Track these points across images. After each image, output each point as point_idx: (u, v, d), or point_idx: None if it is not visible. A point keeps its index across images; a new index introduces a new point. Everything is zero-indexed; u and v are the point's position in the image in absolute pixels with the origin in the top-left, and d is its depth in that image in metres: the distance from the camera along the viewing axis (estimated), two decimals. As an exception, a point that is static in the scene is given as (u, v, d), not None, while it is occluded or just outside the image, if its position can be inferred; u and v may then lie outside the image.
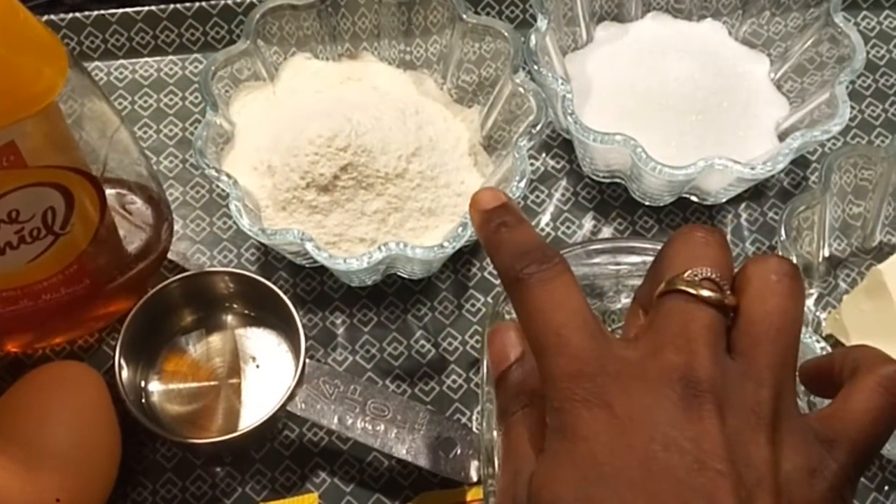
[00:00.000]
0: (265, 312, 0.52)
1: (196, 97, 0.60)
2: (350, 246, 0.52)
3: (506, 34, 0.54)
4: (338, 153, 0.51)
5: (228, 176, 0.50)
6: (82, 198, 0.44)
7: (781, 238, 0.50)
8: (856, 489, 0.30)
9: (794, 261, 0.50)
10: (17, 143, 0.40)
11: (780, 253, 0.51)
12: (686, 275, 0.31)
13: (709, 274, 0.31)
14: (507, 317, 0.51)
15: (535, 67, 0.54)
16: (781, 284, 0.31)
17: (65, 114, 0.42)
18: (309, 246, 0.48)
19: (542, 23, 0.55)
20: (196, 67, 0.61)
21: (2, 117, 0.38)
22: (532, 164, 0.59)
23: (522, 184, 0.49)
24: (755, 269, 0.31)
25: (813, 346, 0.48)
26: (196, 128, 0.59)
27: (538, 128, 0.51)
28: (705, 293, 0.30)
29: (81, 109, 0.43)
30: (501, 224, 0.33)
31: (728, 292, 0.31)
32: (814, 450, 0.30)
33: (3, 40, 0.38)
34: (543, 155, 0.60)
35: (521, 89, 0.53)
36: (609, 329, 0.54)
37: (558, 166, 0.60)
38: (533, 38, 0.54)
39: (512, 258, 0.32)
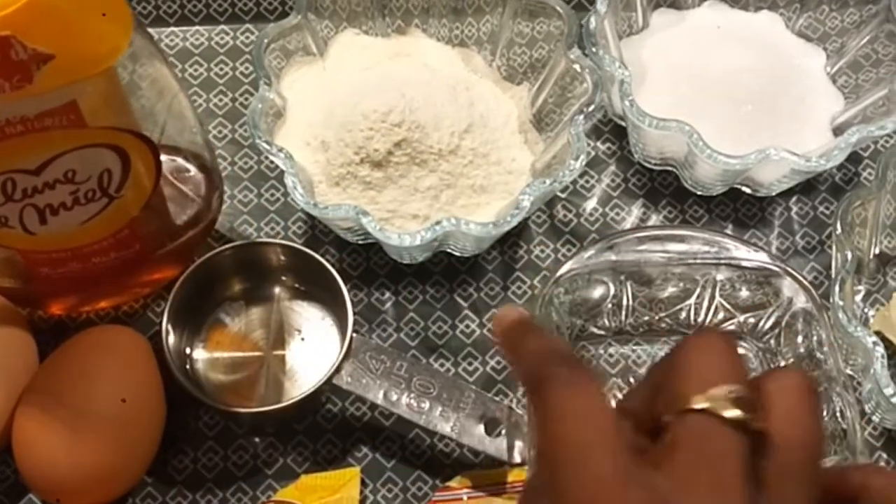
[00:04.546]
0: (311, 286, 0.52)
1: (247, 68, 0.60)
2: (403, 222, 0.52)
3: (560, 11, 0.54)
4: (392, 129, 0.50)
5: (283, 150, 0.49)
6: (138, 162, 0.44)
7: (837, 232, 0.50)
8: None
9: (849, 256, 0.49)
10: (79, 102, 0.40)
11: (834, 247, 0.51)
12: (711, 392, 0.28)
13: (735, 392, 0.28)
14: (555, 301, 0.51)
15: (594, 50, 0.53)
16: (808, 404, 0.28)
17: (125, 76, 0.42)
18: (365, 221, 0.47)
19: (601, 5, 0.54)
20: (247, 38, 0.61)
21: (65, 75, 0.38)
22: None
23: (578, 163, 0.49)
24: (777, 387, 0.28)
25: (865, 339, 0.47)
26: (246, 99, 0.59)
27: (593, 107, 0.51)
28: (733, 414, 0.27)
29: (142, 72, 0.43)
30: (527, 332, 0.31)
31: (755, 413, 0.28)
32: None
33: (72, -3, 0.38)
34: (594, 139, 0.59)
35: (576, 66, 0.52)
36: (656, 317, 0.54)
37: (608, 151, 0.59)
38: (592, 20, 0.54)
39: (537, 359, 0.29)
